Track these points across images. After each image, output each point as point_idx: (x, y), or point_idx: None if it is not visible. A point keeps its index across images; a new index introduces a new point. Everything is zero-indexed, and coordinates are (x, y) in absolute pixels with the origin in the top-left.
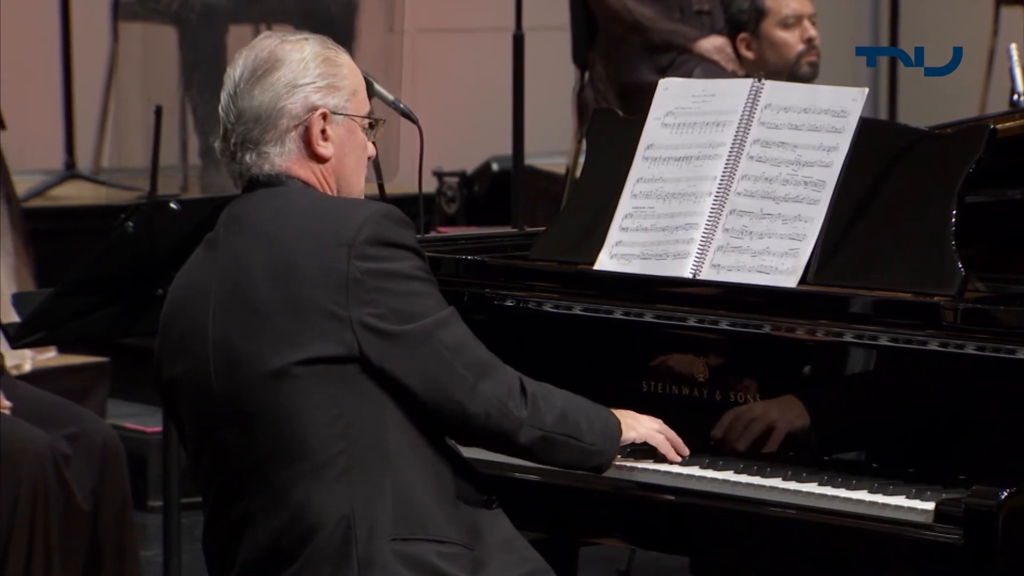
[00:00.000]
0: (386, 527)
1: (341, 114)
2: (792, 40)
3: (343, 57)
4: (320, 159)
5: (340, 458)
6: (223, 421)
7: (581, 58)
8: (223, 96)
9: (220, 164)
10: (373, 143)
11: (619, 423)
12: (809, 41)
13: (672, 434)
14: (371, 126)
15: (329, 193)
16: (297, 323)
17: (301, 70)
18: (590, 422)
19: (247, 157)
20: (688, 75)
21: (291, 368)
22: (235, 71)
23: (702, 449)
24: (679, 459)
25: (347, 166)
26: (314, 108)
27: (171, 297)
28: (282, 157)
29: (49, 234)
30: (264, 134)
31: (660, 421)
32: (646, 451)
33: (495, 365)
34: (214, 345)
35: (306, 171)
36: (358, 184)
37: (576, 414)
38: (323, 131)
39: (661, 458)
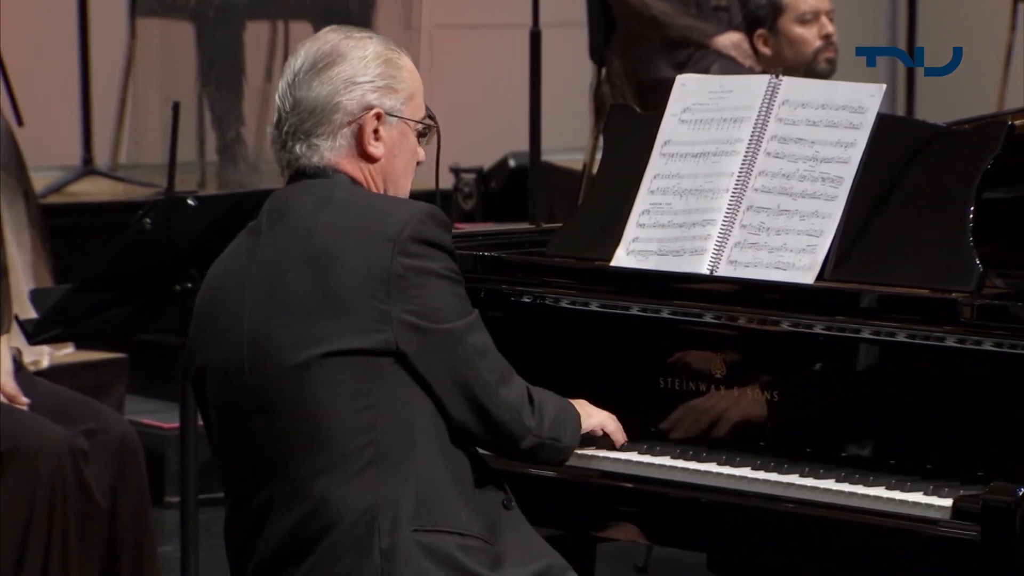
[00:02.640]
0: (409, 518)
1: (395, 116)
2: (809, 36)
3: (405, 60)
4: (370, 159)
5: (367, 449)
6: (251, 410)
7: (598, 54)
8: (281, 84)
9: (237, 160)
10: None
11: (579, 415)
12: (827, 37)
13: (616, 421)
14: (424, 132)
15: (376, 189)
16: (334, 315)
17: (362, 68)
18: (565, 423)
19: (297, 147)
20: (705, 71)
21: (322, 359)
22: (296, 61)
23: (719, 445)
24: (621, 444)
25: (395, 168)
26: (369, 107)
27: (207, 285)
28: (332, 151)
29: (67, 230)
30: (317, 126)
31: (607, 412)
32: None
33: (512, 372)
34: (249, 335)
35: (354, 168)
36: (404, 187)
37: (559, 417)
38: (375, 131)
39: (606, 445)
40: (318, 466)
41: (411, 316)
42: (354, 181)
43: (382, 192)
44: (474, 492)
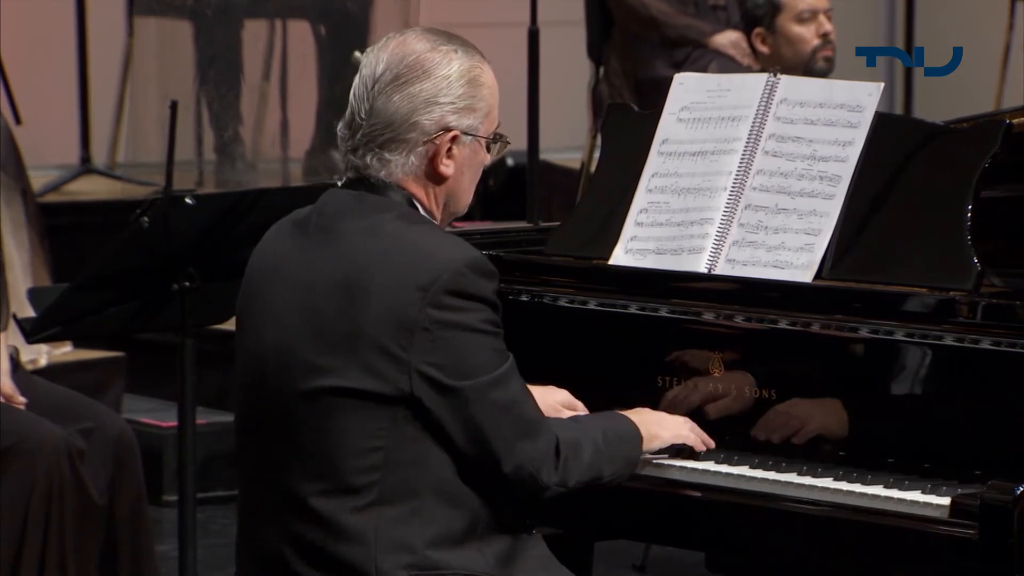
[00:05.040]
0: (407, 560)
1: (471, 135)
2: (807, 35)
3: (487, 75)
4: (439, 178)
5: (372, 488)
6: (270, 412)
7: (596, 53)
8: (358, 82)
9: (235, 159)
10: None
11: (640, 440)
12: (824, 36)
13: (697, 428)
14: (495, 139)
15: (435, 209)
16: (353, 351)
17: (445, 87)
18: (612, 457)
19: (368, 157)
20: (703, 70)
21: (333, 391)
22: (378, 65)
23: (717, 444)
24: (704, 451)
25: (461, 184)
26: (447, 129)
27: (252, 264)
28: (402, 168)
29: (64, 229)
30: (391, 142)
31: (684, 418)
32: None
33: (538, 425)
34: (275, 340)
35: (418, 187)
36: (466, 200)
37: (600, 458)
38: (449, 150)
39: (688, 454)
40: (324, 489)
41: (432, 369)
42: (414, 199)
43: (441, 207)
44: (486, 528)
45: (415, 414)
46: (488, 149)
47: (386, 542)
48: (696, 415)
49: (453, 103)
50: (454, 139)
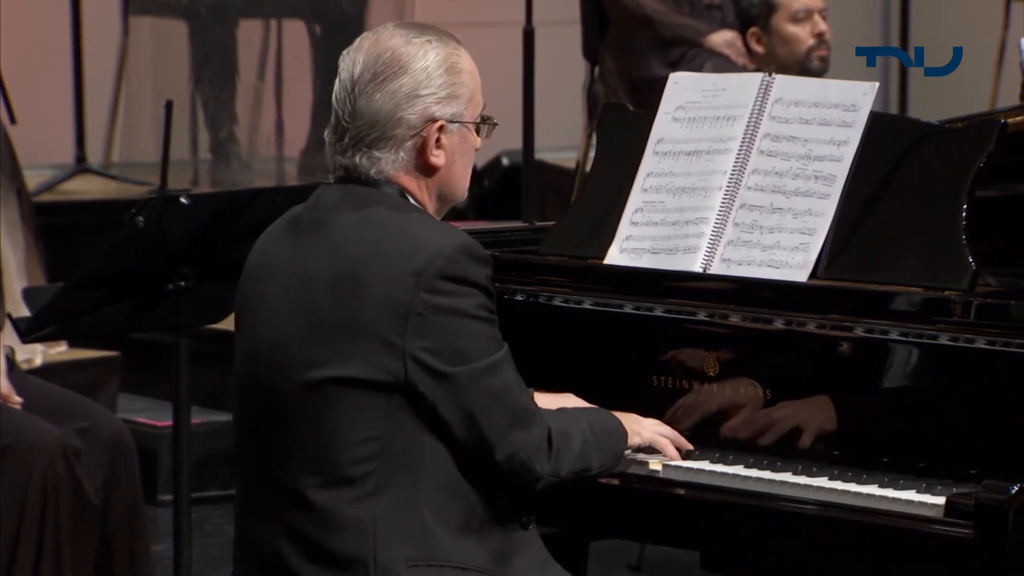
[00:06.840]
0: (406, 551)
1: (457, 122)
2: (803, 35)
3: (464, 60)
4: (431, 169)
5: (369, 479)
6: (266, 408)
7: (591, 53)
8: (338, 86)
9: (230, 159)
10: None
11: (625, 435)
12: (820, 36)
13: (673, 433)
14: (483, 120)
15: (427, 201)
16: (348, 341)
17: (424, 79)
18: (600, 449)
19: (357, 158)
20: (698, 69)
21: (328, 382)
22: (355, 67)
23: (712, 444)
24: (679, 457)
25: (454, 172)
26: (433, 119)
27: (249, 262)
28: (392, 165)
29: (59, 229)
30: (379, 140)
31: (659, 422)
32: (648, 450)
33: (531, 415)
34: (270, 336)
35: (410, 181)
36: (463, 186)
37: (588, 449)
38: (437, 140)
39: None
40: (320, 482)
41: (426, 354)
42: (405, 191)
43: (435, 198)
44: (483, 522)
45: (410, 401)
46: (477, 132)
47: (384, 533)
48: (691, 414)
49: (434, 93)
50: (441, 129)
